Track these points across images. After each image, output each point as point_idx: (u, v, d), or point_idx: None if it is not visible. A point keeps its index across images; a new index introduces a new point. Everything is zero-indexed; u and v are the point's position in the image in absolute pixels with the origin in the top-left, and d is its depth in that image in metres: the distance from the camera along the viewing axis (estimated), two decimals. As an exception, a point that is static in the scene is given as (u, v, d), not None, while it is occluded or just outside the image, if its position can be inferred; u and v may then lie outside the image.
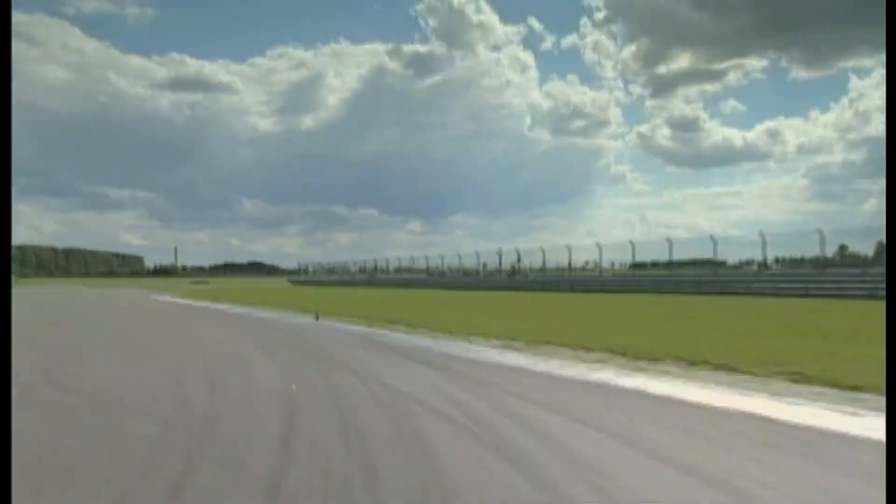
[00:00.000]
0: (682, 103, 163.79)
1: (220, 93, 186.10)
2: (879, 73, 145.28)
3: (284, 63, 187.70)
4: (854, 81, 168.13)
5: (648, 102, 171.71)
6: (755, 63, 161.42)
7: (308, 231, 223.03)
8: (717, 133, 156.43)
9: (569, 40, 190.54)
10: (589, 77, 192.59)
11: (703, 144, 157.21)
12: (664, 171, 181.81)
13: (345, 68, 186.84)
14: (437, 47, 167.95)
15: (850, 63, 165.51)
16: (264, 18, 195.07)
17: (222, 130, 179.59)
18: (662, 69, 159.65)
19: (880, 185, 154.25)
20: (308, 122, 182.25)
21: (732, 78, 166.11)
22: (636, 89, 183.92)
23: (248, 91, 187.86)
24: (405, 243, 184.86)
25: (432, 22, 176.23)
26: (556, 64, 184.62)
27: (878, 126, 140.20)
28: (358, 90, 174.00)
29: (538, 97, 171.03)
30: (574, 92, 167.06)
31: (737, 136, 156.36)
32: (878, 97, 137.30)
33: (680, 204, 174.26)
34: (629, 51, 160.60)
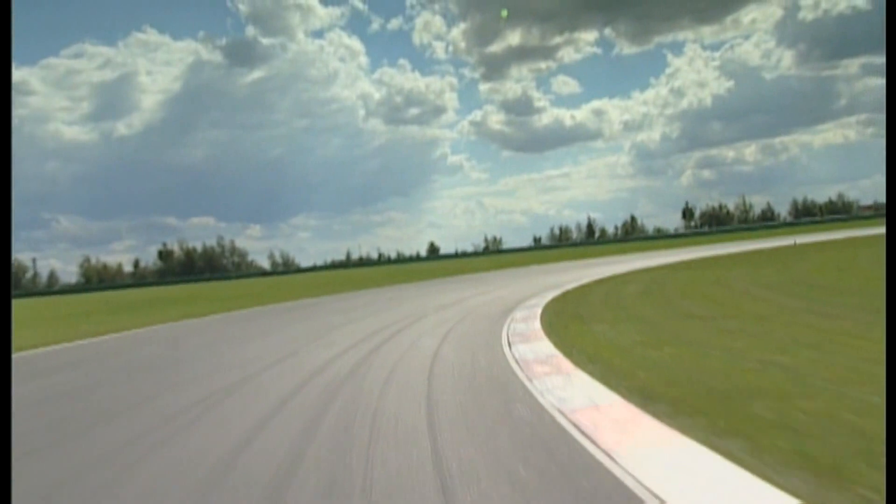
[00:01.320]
0: (515, 84, 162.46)
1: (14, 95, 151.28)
2: (693, 49, 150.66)
3: (85, 62, 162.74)
4: (670, 58, 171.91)
5: (482, 86, 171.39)
6: (586, 37, 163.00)
7: (140, 246, 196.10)
8: (548, 114, 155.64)
9: (396, 22, 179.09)
10: (420, 61, 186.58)
11: (535, 126, 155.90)
12: (500, 157, 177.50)
13: (155, 66, 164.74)
14: (254, 35, 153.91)
15: (668, 38, 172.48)
16: (53, 13, 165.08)
17: (23, 140, 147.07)
18: (494, 48, 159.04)
19: (695, 157, 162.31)
20: (122, 128, 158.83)
21: (564, 54, 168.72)
22: (468, 72, 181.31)
23: (48, 95, 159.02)
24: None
25: (244, 7, 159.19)
26: (385, 48, 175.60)
27: (690, 100, 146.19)
28: (175, 89, 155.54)
29: (369, 86, 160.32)
30: (406, 78, 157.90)
31: (567, 116, 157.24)
32: (693, 71, 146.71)
33: (514, 189, 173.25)
34: (459, 30, 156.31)
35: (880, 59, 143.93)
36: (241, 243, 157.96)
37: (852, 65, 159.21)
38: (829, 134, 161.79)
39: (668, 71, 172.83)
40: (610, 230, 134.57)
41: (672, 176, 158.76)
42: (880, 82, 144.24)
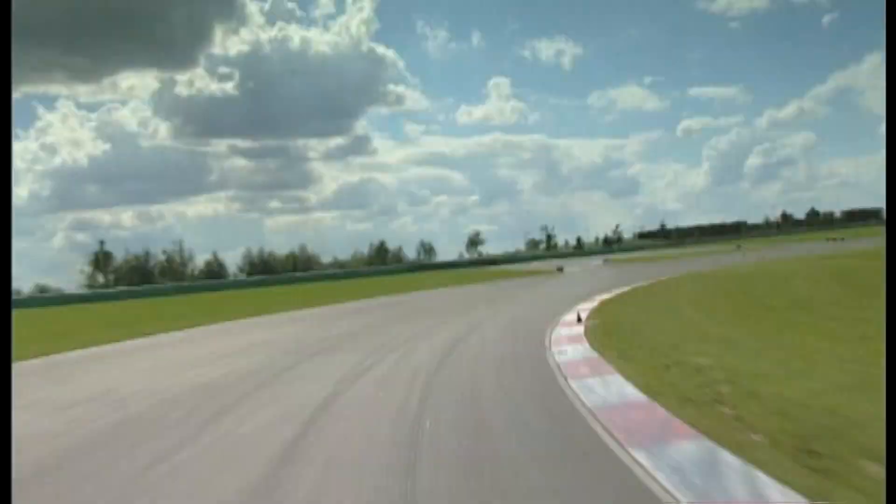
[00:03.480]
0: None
1: None
2: (67, 106, 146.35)
3: None
4: (41, 111, 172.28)
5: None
6: None
7: None
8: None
9: None
10: None
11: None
12: None
13: None
14: None
15: (40, 90, 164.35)
16: None
17: None
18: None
19: (68, 219, 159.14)
20: None
21: None
22: None
23: None
24: None
25: None
26: None
27: (64, 158, 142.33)
28: None
29: None
30: None
31: None
32: (67, 129, 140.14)
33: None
34: None
35: (243, 143, 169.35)
36: None
37: (221, 144, 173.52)
38: (202, 206, 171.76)
39: (38, 125, 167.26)
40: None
41: (42, 237, 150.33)
42: (244, 163, 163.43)
